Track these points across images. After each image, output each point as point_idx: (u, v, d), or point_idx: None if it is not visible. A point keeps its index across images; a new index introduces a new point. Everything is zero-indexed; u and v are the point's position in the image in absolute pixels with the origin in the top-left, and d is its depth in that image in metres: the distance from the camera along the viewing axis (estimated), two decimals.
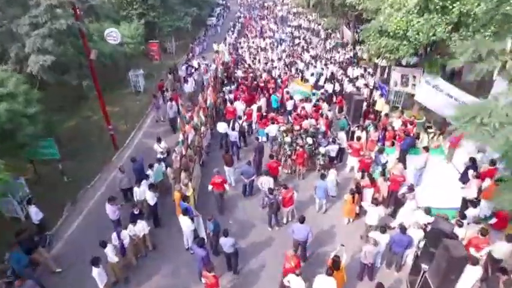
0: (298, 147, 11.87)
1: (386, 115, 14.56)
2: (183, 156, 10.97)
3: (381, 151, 11.53)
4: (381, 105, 15.44)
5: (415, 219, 8.64)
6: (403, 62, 16.47)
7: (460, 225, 8.08)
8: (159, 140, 12.15)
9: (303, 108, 14.68)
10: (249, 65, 22.20)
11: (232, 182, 11.95)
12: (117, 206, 9.29)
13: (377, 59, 23.23)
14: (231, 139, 13.26)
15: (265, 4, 49.39)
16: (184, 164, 10.66)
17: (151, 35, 26.02)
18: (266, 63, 22.10)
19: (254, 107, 15.08)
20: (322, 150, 11.81)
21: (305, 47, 26.74)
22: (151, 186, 9.63)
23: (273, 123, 13.41)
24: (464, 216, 8.46)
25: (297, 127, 13.18)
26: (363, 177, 10.51)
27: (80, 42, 13.01)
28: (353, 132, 13.45)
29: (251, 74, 19.50)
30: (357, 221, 10.35)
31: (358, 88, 16.74)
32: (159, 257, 9.24)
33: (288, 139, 12.20)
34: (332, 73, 19.66)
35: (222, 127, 13.67)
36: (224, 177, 10.74)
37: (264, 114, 14.42)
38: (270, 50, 25.94)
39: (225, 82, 18.01)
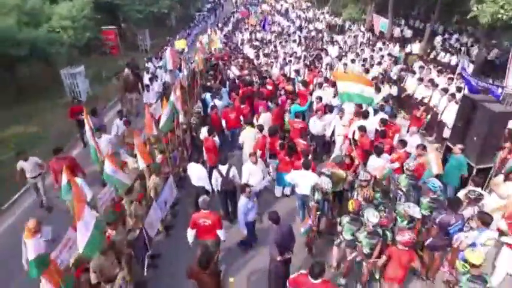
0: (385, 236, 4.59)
1: None
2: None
3: None
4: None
5: None
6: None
7: None
8: None
9: (362, 131, 7.33)
10: (247, 57, 14.90)
11: None
12: None
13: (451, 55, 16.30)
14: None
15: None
16: None
17: (115, 24, 18.89)
18: (276, 58, 14.75)
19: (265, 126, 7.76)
20: (467, 249, 4.29)
21: (330, 39, 19.44)
22: None
23: (306, 167, 6.02)
24: None
25: (363, 175, 5.77)
26: None
27: None
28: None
29: (247, 72, 12.26)
30: None
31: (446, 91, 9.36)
32: None
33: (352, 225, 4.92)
34: (385, 72, 12.28)
35: (195, 173, 6.37)
36: (217, 215, 5.17)
37: (288, 143, 6.96)
38: (279, 44, 18.56)
39: (210, 84, 10.64)
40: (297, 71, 11.87)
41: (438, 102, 9.30)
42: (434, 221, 4.99)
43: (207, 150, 7.01)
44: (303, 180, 6.02)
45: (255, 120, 8.68)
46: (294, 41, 19.77)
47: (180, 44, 11.62)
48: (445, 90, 9.27)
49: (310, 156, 6.58)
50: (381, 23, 20.97)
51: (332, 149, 8.52)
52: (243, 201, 5.35)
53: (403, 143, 6.87)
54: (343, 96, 7.37)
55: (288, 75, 11.99)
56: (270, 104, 9.01)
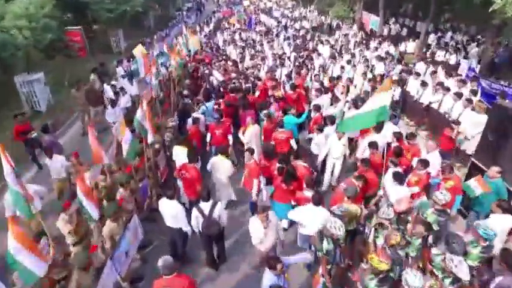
0: None
1: None
2: None
3: None
4: None
5: None
6: None
7: None
8: None
9: (374, 148, 6.05)
10: (229, 58, 13.45)
11: None
12: None
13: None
14: None
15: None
16: None
17: (83, 23, 17.05)
18: (263, 59, 13.30)
19: (253, 146, 6.39)
20: None
21: (321, 39, 18.08)
22: None
23: (316, 202, 4.67)
24: None
25: (386, 212, 4.47)
26: None
27: None
28: None
29: (234, 76, 10.79)
30: None
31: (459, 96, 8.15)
32: None
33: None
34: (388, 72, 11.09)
35: (169, 212, 4.94)
36: (187, 279, 3.82)
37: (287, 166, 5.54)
38: (267, 44, 17.06)
39: (186, 93, 9.08)
40: (289, 76, 10.49)
41: (451, 108, 8.14)
42: (486, 283, 3.70)
43: (186, 182, 5.52)
44: (311, 218, 4.67)
45: (240, 134, 7.31)
46: (288, 38, 18.29)
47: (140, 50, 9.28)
48: (459, 95, 8.09)
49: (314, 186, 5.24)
50: (372, 21, 19.98)
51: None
52: (268, 279, 3.69)
53: (424, 163, 5.61)
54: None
55: (278, 79, 10.60)
56: (260, 114, 7.61)
